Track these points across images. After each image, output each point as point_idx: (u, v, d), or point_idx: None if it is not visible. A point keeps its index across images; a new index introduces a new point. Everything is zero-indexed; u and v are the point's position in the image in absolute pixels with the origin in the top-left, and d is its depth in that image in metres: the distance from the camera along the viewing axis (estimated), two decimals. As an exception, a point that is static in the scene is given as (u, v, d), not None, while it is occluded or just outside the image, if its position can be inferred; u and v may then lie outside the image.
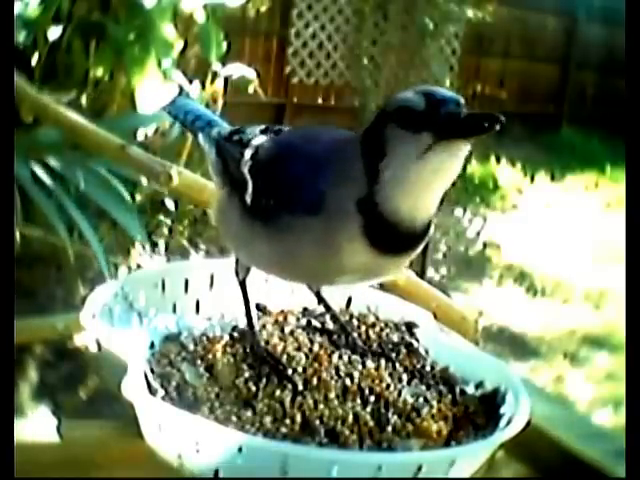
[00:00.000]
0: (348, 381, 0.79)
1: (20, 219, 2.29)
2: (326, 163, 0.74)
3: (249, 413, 0.73)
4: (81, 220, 2.23)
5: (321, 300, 0.93)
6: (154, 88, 2.78)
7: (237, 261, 0.86)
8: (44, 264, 2.76)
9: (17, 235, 2.30)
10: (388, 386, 0.80)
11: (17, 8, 2.63)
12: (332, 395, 0.77)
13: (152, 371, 0.78)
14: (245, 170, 0.80)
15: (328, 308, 0.92)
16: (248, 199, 0.78)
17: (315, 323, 0.91)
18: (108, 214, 2.44)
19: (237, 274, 0.86)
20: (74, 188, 2.30)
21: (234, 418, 0.72)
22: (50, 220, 2.23)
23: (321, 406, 0.75)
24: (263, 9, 4.19)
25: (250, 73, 3.44)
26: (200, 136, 0.92)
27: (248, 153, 0.81)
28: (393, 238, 0.71)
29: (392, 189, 0.70)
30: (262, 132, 0.84)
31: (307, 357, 0.82)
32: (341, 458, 0.67)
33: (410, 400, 0.79)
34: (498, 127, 0.65)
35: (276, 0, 5.55)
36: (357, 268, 0.74)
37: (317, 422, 0.73)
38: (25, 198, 2.30)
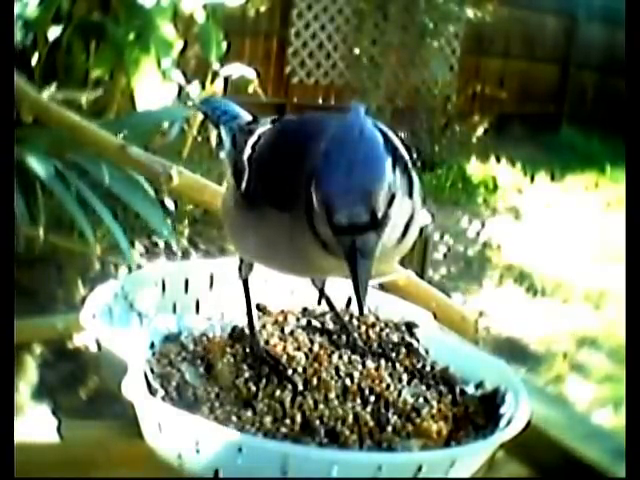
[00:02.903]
0: (348, 381, 0.79)
1: (28, 218, 2.29)
2: (307, 158, 0.71)
3: (249, 413, 0.73)
4: (106, 214, 2.24)
5: (325, 298, 0.92)
6: (154, 88, 2.78)
7: (241, 260, 0.86)
8: (44, 264, 2.76)
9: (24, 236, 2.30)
10: (388, 386, 0.80)
11: (17, 8, 2.63)
12: (332, 395, 0.77)
13: (152, 371, 0.78)
14: (245, 158, 0.80)
15: (332, 306, 0.92)
16: (243, 186, 0.78)
17: (315, 323, 0.91)
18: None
19: (240, 272, 0.86)
20: (93, 184, 2.31)
21: (234, 418, 0.72)
22: (75, 217, 2.23)
23: (321, 406, 0.75)
24: (263, 9, 4.19)
25: (250, 73, 3.44)
26: (222, 128, 0.92)
27: (250, 141, 0.81)
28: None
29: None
30: (272, 122, 0.84)
31: (307, 357, 0.82)
32: (341, 458, 0.67)
33: (410, 400, 0.79)
34: None
35: (276, 0, 5.55)
36: (325, 269, 0.74)
37: (317, 422, 0.73)
38: (33, 195, 2.30)
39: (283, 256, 0.75)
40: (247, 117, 0.93)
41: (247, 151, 0.80)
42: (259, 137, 0.81)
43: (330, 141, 0.67)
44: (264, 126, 0.83)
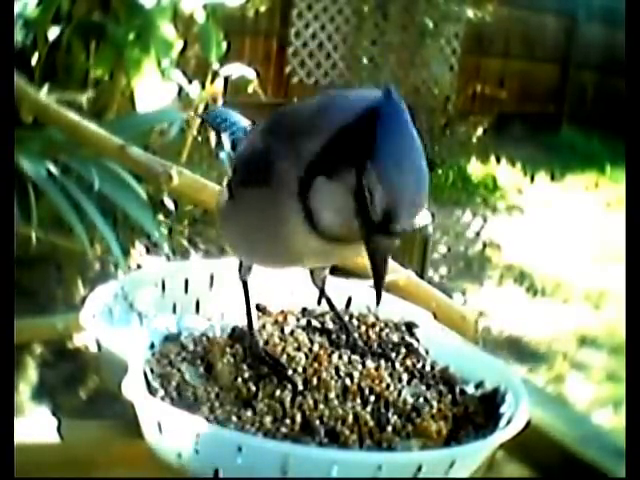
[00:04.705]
0: (348, 381, 0.79)
1: (20, 219, 2.29)
2: (284, 133, 0.72)
3: (249, 413, 0.73)
4: (97, 217, 2.24)
5: (325, 298, 0.93)
6: (154, 88, 2.78)
7: (240, 261, 0.86)
8: (44, 264, 2.76)
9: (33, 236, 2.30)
10: (388, 386, 0.80)
11: (17, 8, 2.63)
12: (332, 395, 0.77)
13: (152, 371, 0.78)
14: (234, 155, 0.83)
15: (332, 306, 0.92)
16: (226, 180, 0.81)
17: (315, 323, 0.91)
18: (108, 214, 2.44)
19: (240, 273, 0.86)
20: (87, 186, 2.31)
21: (234, 418, 0.72)
22: (67, 219, 2.23)
23: (321, 406, 0.75)
24: (263, 9, 4.19)
25: (250, 73, 3.44)
26: (223, 135, 0.94)
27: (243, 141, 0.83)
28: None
29: (317, 207, 0.69)
30: None
31: (307, 357, 0.82)
32: (341, 458, 0.67)
33: (410, 400, 0.79)
34: None
35: (276, 0, 5.55)
36: (307, 251, 0.73)
37: (317, 422, 0.73)
38: (26, 197, 2.30)
39: (259, 236, 0.76)
40: (247, 123, 0.95)
41: (238, 149, 0.83)
42: (248, 133, 0.83)
43: (382, 129, 0.64)
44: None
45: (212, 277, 1.00)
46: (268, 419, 0.72)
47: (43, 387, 2.29)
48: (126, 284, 0.94)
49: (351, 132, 0.65)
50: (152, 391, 0.75)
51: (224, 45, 3.20)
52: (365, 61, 6.11)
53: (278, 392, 0.76)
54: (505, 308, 3.53)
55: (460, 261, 4.22)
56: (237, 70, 3.39)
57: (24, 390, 2.25)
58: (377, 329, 0.92)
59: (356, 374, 0.80)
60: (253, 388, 0.77)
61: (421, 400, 0.80)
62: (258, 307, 0.94)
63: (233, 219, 0.80)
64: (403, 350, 0.88)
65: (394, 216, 0.64)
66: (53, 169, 2.29)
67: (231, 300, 0.90)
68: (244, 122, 0.95)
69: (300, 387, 0.77)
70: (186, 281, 0.98)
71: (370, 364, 0.83)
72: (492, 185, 5.86)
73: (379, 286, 0.68)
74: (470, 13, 6.29)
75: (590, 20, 8.08)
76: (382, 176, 0.63)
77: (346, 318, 0.93)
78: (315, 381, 0.78)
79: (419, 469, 0.67)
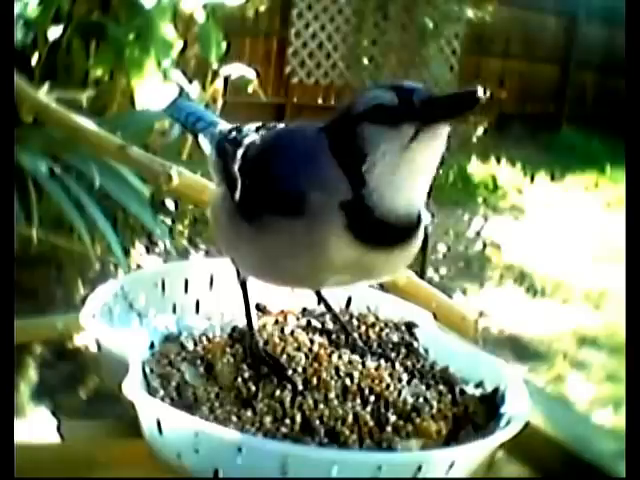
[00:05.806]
0: (348, 381, 0.79)
1: (21, 218, 2.29)
2: (303, 163, 0.73)
3: (249, 413, 0.73)
4: (98, 215, 2.24)
5: (322, 300, 0.93)
6: (154, 88, 2.78)
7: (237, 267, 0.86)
8: (44, 264, 2.76)
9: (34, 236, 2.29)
10: (388, 386, 0.80)
11: (17, 8, 2.63)
12: (332, 395, 0.77)
13: (152, 371, 0.78)
14: (235, 169, 0.79)
15: (329, 308, 0.92)
16: (236, 198, 0.78)
17: (315, 323, 0.91)
18: (108, 214, 2.44)
19: (238, 275, 0.86)
20: (87, 184, 2.31)
21: (234, 418, 0.72)
22: (68, 217, 2.23)
23: (321, 406, 0.75)
24: (262, 9, 4.19)
25: (250, 73, 3.44)
26: (201, 137, 0.92)
27: (239, 152, 0.80)
28: (380, 231, 0.71)
29: (383, 188, 0.70)
30: (257, 130, 0.84)
31: (307, 357, 0.82)
32: (341, 458, 0.67)
33: (410, 400, 0.79)
34: (479, 101, 0.63)
35: (276, 0, 5.55)
36: (345, 265, 0.73)
37: (317, 422, 0.73)
38: (27, 196, 2.30)
39: (289, 262, 0.74)
40: (223, 122, 0.93)
41: (237, 162, 0.80)
42: (248, 147, 0.80)
43: None
44: (250, 135, 0.82)
45: (212, 277, 1.00)
46: (268, 419, 0.72)
47: (43, 387, 2.29)
48: (126, 284, 0.94)
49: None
50: (152, 391, 0.75)
51: (224, 45, 3.20)
52: (365, 61, 6.11)
53: (278, 392, 0.76)
54: (505, 308, 3.53)
55: (460, 261, 4.22)
56: (237, 70, 3.40)
57: (24, 390, 2.25)
58: (377, 329, 0.92)
59: (356, 374, 0.80)
60: (253, 388, 0.77)
61: (421, 400, 0.79)
62: (258, 307, 0.94)
63: (253, 244, 0.77)
64: (403, 350, 0.88)
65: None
66: (54, 167, 2.29)
67: (231, 300, 0.90)
68: (219, 120, 0.93)
69: (300, 387, 0.77)
70: (186, 281, 0.98)
71: (370, 364, 0.83)
72: (492, 185, 5.86)
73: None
74: (470, 13, 6.29)
75: (590, 20, 8.09)
76: None
77: (346, 318, 0.93)
78: (315, 381, 0.78)
79: (419, 469, 0.67)
